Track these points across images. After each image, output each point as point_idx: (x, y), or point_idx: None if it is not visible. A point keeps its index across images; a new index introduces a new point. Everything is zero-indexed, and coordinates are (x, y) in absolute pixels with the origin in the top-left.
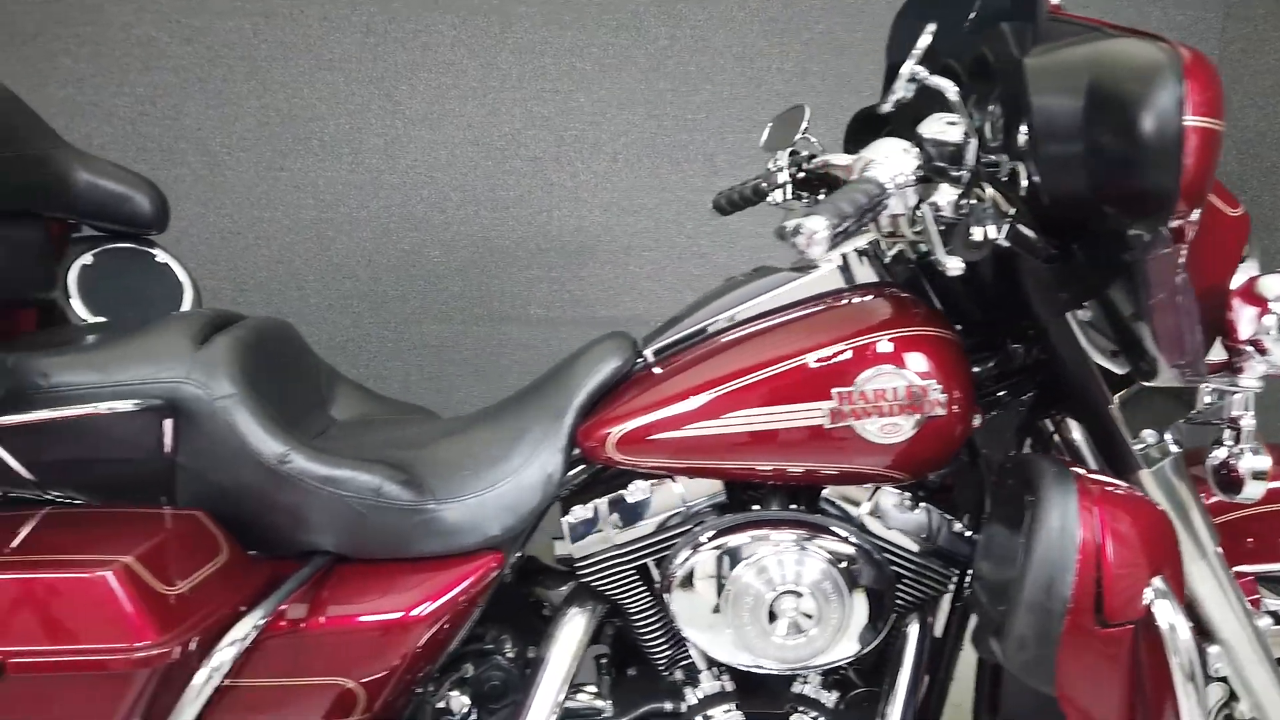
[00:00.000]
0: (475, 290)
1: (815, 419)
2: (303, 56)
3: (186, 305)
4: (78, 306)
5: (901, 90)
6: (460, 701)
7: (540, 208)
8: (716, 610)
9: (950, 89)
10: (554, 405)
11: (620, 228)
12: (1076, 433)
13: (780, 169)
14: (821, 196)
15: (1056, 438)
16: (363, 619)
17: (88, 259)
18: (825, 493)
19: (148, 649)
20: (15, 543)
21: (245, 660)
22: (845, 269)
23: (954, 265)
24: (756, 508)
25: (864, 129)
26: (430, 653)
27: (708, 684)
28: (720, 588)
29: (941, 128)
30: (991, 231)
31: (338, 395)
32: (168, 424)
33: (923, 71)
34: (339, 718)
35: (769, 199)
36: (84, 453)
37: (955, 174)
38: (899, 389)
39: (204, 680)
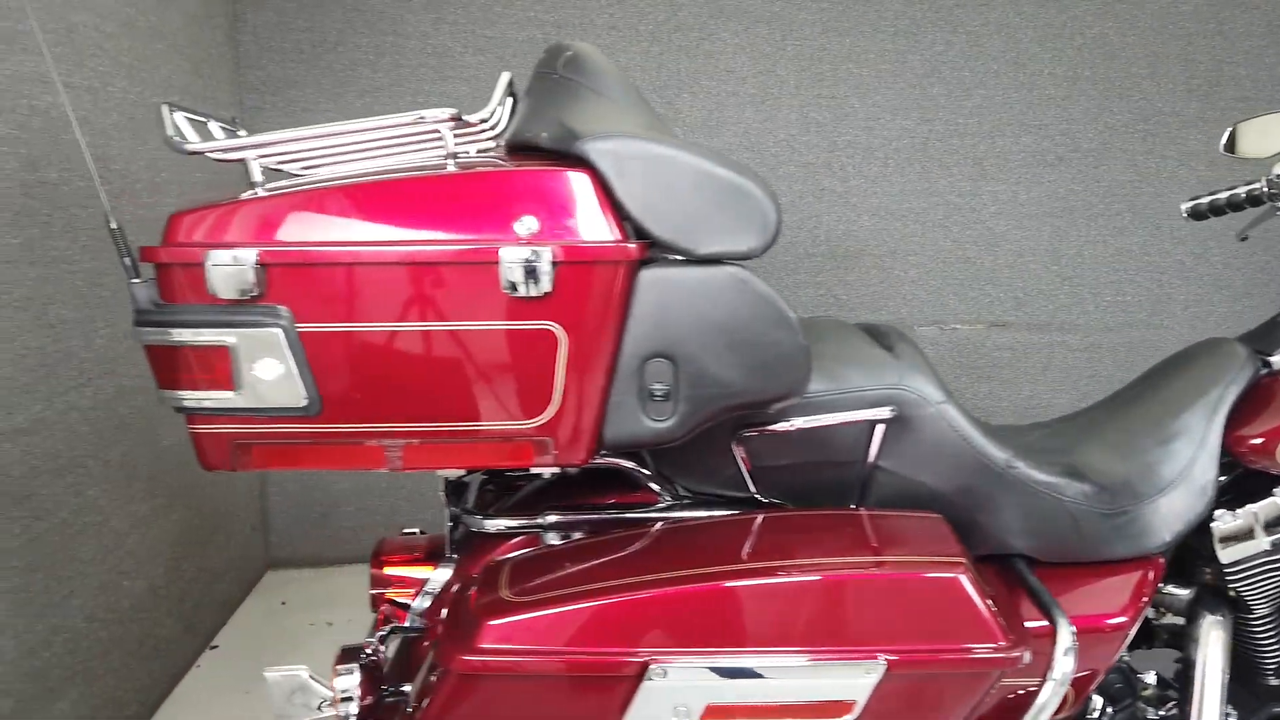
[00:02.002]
0: None
1: None
2: None
3: None
4: None
5: None
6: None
7: (810, 213)
8: None
9: None
10: (1198, 413)
11: (887, 232)
12: None
13: None
14: None
15: None
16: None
17: None
18: None
19: (998, 651)
20: (810, 543)
21: None
22: None
23: None
24: None
25: None
26: (1118, 655)
27: None
28: None
29: None
30: None
31: None
32: (879, 428)
33: None
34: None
35: (1276, 205)
36: (808, 457)
37: None
38: None
39: (1050, 694)
